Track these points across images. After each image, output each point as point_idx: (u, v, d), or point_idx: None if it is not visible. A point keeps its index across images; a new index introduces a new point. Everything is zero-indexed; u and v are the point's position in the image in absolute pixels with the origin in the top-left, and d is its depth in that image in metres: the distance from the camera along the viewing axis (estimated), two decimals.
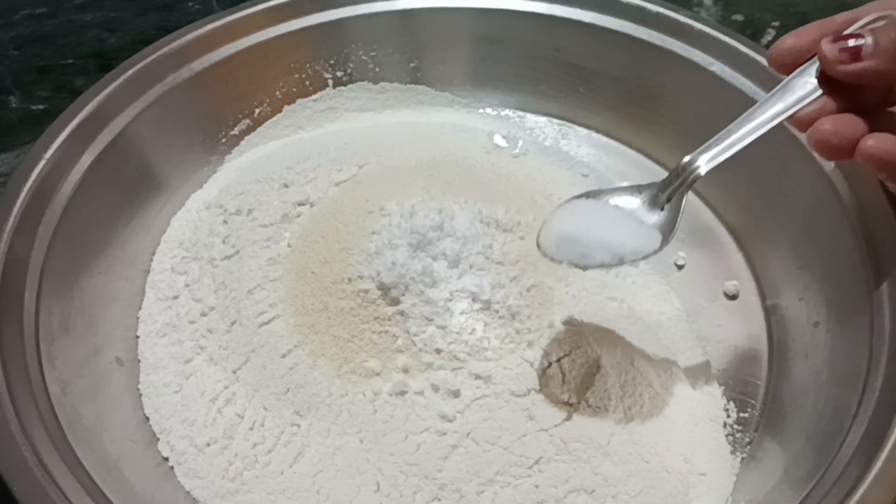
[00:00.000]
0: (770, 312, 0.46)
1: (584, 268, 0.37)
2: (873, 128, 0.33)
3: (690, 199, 0.51)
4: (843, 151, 0.33)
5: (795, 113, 0.35)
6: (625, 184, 0.40)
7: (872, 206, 0.40)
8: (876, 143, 0.33)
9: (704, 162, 0.36)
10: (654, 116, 0.53)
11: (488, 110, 0.57)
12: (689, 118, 0.51)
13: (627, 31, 0.51)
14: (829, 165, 0.42)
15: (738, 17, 0.65)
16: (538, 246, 0.38)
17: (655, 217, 0.38)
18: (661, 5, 0.50)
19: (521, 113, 0.57)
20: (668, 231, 0.37)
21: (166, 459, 0.39)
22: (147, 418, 0.41)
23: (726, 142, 0.36)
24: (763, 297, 0.47)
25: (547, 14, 0.52)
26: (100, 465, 0.35)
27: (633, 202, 0.39)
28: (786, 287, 0.45)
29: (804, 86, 0.35)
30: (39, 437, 0.33)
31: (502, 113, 0.57)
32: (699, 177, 0.37)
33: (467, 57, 0.55)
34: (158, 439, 0.40)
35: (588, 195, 0.39)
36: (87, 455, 0.35)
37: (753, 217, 0.48)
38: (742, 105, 0.47)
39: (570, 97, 0.55)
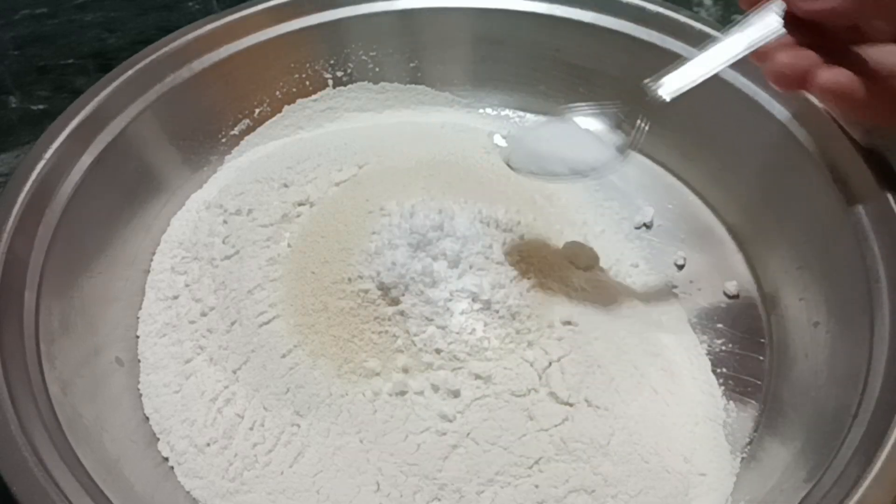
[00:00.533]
0: (770, 312, 0.46)
1: (545, 179, 0.42)
2: (832, 64, 0.35)
3: (691, 199, 0.52)
4: (796, 83, 0.35)
5: (761, 46, 0.37)
6: (591, 104, 0.43)
7: (873, 206, 0.40)
8: (830, 75, 0.35)
9: (666, 91, 0.39)
10: (654, 116, 0.53)
11: (488, 110, 0.57)
12: (689, 118, 0.51)
13: (627, 31, 0.51)
14: (829, 166, 0.42)
15: (738, 18, 0.65)
16: (506, 161, 0.42)
17: (616, 138, 0.41)
18: (661, 5, 0.50)
19: (521, 113, 0.57)
20: (624, 150, 0.40)
21: (166, 459, 0.39)
22: (147, 418, 0.41)
23: (688, 71, 0.39)
24: (763, 297, 0.47)
25: (547, 14, 0.52)
26: (100, 465, 0.35)
27: (597, 124, 0.41)
28: (786, 287, 0.45)
29: (768, 22, 0.37)
30: (39, 437, 0.33)
31: (502, 113, 0.57)
32: (662, 102, 0.39)
33: (467, 57, 0.55)
34: (158, 439, 0.40)
35: (558, 116, 0.42)
36: (87, 455, 0.35)
37: (753, 217, 0.48)
38: (742, 105, 0.47)
39: (570, 97, 0.55)
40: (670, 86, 0.39)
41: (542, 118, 0.44)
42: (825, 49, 0.36)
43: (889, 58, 0.37)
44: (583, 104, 0.42)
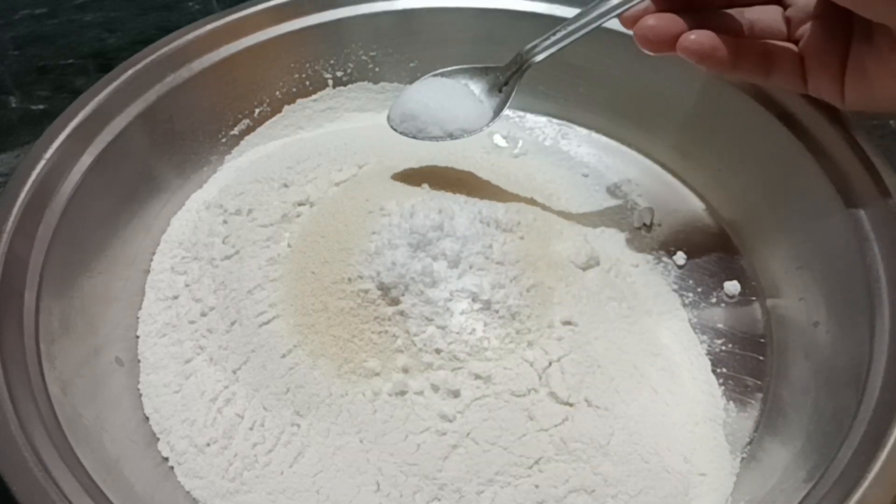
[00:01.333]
0: (770, 312, 0.46)
1: (421, 140, 0.45)
2: (699, 26, 0.38)
3: (691, 199, 0.52)
4: (662, 45, 0.38)
5: (623, 12, 0.40)
6: (478, 65, 0.46)
7: (873, 206, 0.40)
8: (694, 37, 0.38)
9: (539, 52, 0.43)
10: (654, 116, 0.53)
11: None
12: (689, 118, 0.51)
13: (627, 31, 0.51)
14: (829, 165, 0.42)
15: None
16: (388, 118, 0.45)
17: (492, 99, 0.45)
18: None
19: (521, 113, 0.57)
20: (496, 112, 0.45)
21: (166, 459, 0.39)
22: (147, 418, 0.41)
23: (559, 36, 0.42)
24: (763, 297, 0.47)
25: (547, 14, 0.52)
26: (100, 465, 0.35)
27: (478, 84, 0.45)
28: (786, 287, 0.45)
29: None
30: (39, 437, 0.33)
31: (502, 113, 0.57)
32: (532, 64, 0.44)
33: (467, 57, 0.55)
34: (158, 439, 0.40)
35: (444, 73, 0.46)
36: (87, 455, 0.35)
37: (753, 217, 0.48)
38: (742, 105, 0.47)
39: (570, 97, 0.55)
40: (541, 50, 0.43)
41: (434, 79, 0.46)
42: (693, 12, 0.39)
43: (765, 15, 0.41)
44: (468, 65, 0.46)
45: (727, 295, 0.47)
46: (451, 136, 0.44)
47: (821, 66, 0.39)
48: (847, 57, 0.38)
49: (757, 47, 0.40)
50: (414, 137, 0.45)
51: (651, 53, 0.39)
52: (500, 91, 0.45)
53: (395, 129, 0.45)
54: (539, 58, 0.43)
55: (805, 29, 0.40)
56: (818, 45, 0.39)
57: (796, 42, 0.40)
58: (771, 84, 0.41)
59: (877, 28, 0.36)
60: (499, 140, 0.55)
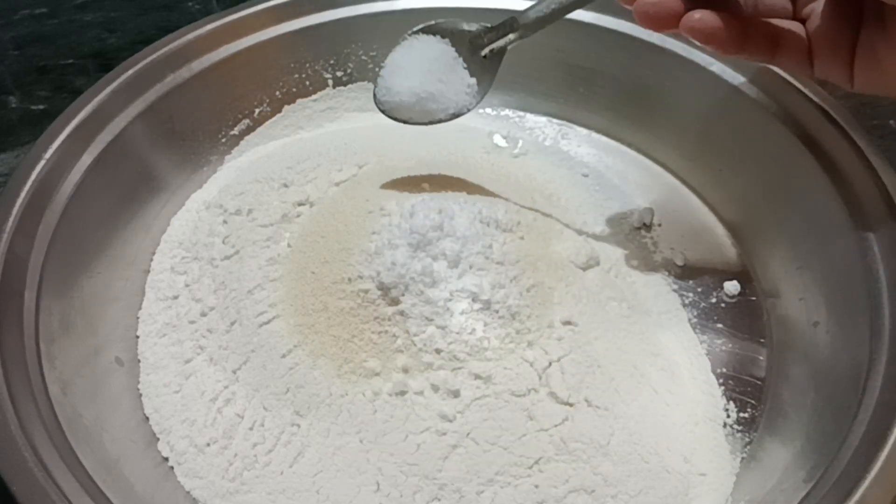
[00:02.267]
0: (770, 312, 0.46)
1: (408, 124, 0.45)
2: (702, 4, 0.36)
3: (691, 199, 0.52)
4: (663, 23, 0.37)
5: None
6: (463, 23, 0.45)
7: (873, 205, 0.40)
8: (700, 16, 0.36)
9: (529, 19, 0.42)
10: (654, 116, 0.53)
11: (488, 110, 0.57)
12: (689, 118, 0.51)
13: (627, 31, 0.51)
14: (829, 165, 0.42)
15: None
16: (374, 98, 0.45)
17: (479, 67, 0.45)
18: None
19: (521, 113, 0.57)
20: (483, 91, 0.45)
21: (166, 459, 0.39)
22: (147, 418, 0.41)
23: (555, 7, 0.42)
24: (763, 297, 0.47)
25: None
26: (100, 465, 0.35)
27: (463, 47, 0.44)
28: (786, 287, 0.45)
29: None
30: (39, 437, 0.33)
31: (502, 113, 0.57)
32: (524, 34, 0.42)
33: None
34: (158, 439, 0.40)
35: (426, 30, 0.45)
36: (87, 455, 0.35)
37: (753, 217, 0.48)
38: (742, 105, 0.47)
39: (570, 97, 0.55)
40: (535, 18, 0.42)
41: (420, 48, 0.45)
42: None
43: None
44: (453, 20, 0.45)
45: (727, 295, 0.47)
46: (441, 121, 0.45)
47: (830, 49, 0.38)
48: (857, 40, 0.37)
49: (763, 28, 0.38)
50: (405, 123, 0.45)
51: (652, 31, 0.38)
52: (484, 57, 0.44)
53: (383, 113, 0.45)
54: (530, 31, 0.42)
55: (812, 7, 0.39)
56: (827, 27, 0.37)
57: (802, 21, 0.39)
58: (776, 65, 0.40)
59: (889, 12, 0.35)
60: (499, 140, 0.55)
